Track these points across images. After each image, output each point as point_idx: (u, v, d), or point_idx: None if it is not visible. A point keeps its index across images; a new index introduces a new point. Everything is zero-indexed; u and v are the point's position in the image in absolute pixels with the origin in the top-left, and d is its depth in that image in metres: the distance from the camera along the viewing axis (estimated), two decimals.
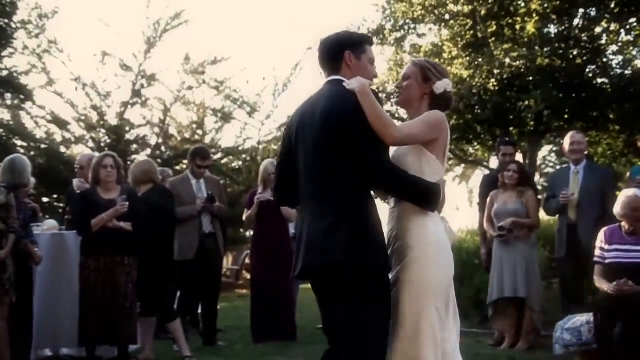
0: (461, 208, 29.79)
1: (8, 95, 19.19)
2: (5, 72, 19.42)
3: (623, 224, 7.34)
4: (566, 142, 9.10)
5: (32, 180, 8.22)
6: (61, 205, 11.13)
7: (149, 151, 18.38)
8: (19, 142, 17.37)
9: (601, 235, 7.44)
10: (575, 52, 13.96)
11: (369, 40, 4.57)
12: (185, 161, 12.56)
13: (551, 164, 22.87)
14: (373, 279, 4.02)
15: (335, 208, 4.07)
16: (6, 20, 20.04)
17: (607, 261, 7.28)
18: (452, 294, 4.19)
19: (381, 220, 4.19)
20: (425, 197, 4.12)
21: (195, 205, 9.24)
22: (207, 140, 19.22)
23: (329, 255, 4.00)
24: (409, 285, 4.06)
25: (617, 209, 7.39)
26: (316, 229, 4.12)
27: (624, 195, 7.42)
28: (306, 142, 4.24)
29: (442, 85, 4.26)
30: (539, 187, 14.18)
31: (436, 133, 4.15)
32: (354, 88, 4.02)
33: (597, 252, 7.41)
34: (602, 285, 7.15)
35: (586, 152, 9.38)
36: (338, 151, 4.07)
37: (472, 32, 14.72)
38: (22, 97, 18.55)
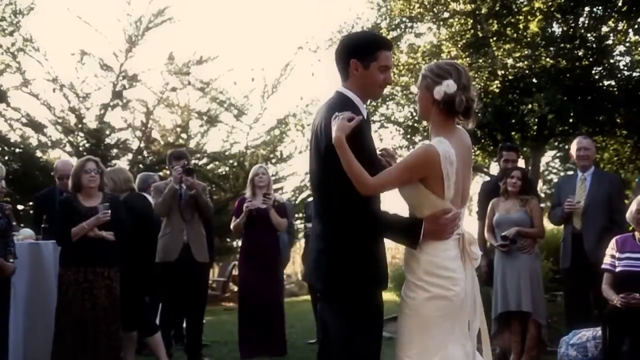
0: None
1: None
2: None
3: (636, 232, 7.39)
4: (573, 148, 9.12)
5: (2, 184, 8.21)
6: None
7: (130, 156, 18.40)
8: None
9: (612, 243, 7.49)
10: (580, 53, 13.99)
11: (382, 45, 4.48)
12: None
13: (555, 171, 22.95)
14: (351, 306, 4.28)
15: (324, 234, 4.36)
16: None
17: (617, 269, 7.33)
18: (456, 324, 4.23)
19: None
20: (399, 237, 4.33)
21: (173, 179, 9.27)
22: (192, 144, 19.26)
23: (315, 282, 4.47)
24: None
25: (629, 214, 7.46)
26: (312, 250, 4.47)
27: (637, 201, 7.48)
28: (312, 151, 4.42)
29: (441, 89, 4.15)
30: (542, 195, 14.26)
31: (419, 173, 4.12)
32: (333, 137, 4.05)
33: (608, 259, 7.45)
34: (610, 295, 7.20)
35: (594, 159, 9.42)
36: (328, 170, 4.22)
37: (472, 31, 14.74)
38: None
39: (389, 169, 4.24)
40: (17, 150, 17.38)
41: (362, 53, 4.38)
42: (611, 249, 7.47)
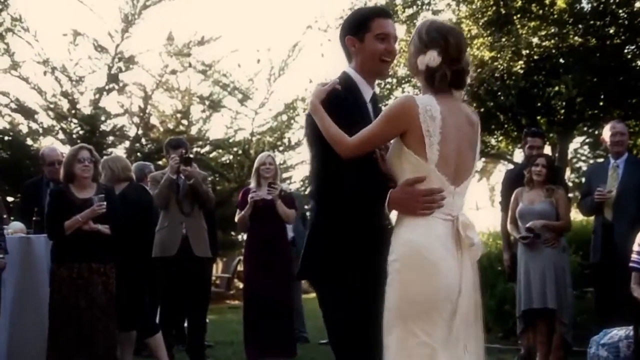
0: (482, 207, 29.82)
1: None
2: None
3: None
4: (606, 133, 9.10)
5: None
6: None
7: (127, 144, 18.45)
8: None
9: (639, 238, 7.48)
10: (612, 31, 13.99)
11: (374, 13, 4.49)
12: None
13: (584, 158, 22.89)
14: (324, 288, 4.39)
15: (312, 218, 4.59)
16: None
17: None
18: (445, 312, 3.91)
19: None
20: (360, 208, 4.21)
21: (169, 168, 9.30)
22: (194, 131, 19.28)
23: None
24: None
25: None
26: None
27: None
28: None
29: (424, 60, 4.01)
30: (570, 184, 14.24)
31: (397, 125, 3.97)
32: (309, 103, 4.08)
33: (635, 256, 7.44)
34: None
35: (627, 145, 9.41)
36: (311, 154, 4.36)
37: (494, 8, 14.73)
38: None
39: (367, 127, 4.07)
40: (6, 137, 17.43)
41: (355, 27, 4.40)
42: (638, 244, 7.45)
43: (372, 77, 4.49)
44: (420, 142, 3.87)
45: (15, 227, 8.86)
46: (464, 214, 4.06)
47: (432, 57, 3.94)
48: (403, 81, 15.48)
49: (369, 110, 4.43)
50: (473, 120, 4.15)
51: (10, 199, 16.29)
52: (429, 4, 15.84)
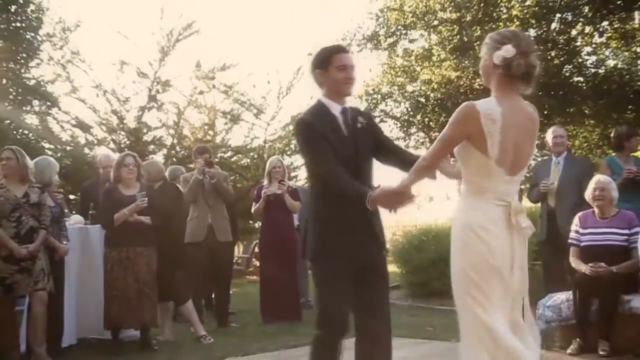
0: (451, 198, 29.74)
1: (36, 102, 19.24)
2: (33, 81, 19.49)
3: (595, 209, 7.39)
4: (549, 136, 9.11)
5: (56, 178, 8.26)
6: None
7: (164, 151, 18.39)
8: (46, 145, 17.41)
9: (576, 220, 7.48)
10: (553, 54, 14.01)
11: (335, 50, 4.56)
12: None
13: (534, 158, 22.85)
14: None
15: (309, 209, 4.72)
16: (33, 34, 20.15)
17: (582, 244, 7.33)
18: (494, 279, 3.78)
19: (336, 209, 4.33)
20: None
21: (196, 170, 9.34)
22: (218, 140, 19.21)
23: None
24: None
25: (587, 193, 7.47)
26: None
27: (594, 180, 7.54)
28: None
29: (500, 54, 3.80)
30: (522, 178, 14.22)
31: (462, 129, 3.80)
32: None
33: (573, 235, 7.45)
34: (579, 266, 7.18)
35: (566, 145, 9.40)
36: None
37: (458, 36, 14.76)
38: (48, 103, 18.58)
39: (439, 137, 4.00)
40: (68, 147, 17.43)
41: (320, 62, 4.51)
42: (575, 224, 7.46)
43: (338, 97, 4.53)
44: (483, 142, 3.73)
45: (75, 219, 8.88)
46: (516, 201, 3.89)
47: (507, 49, 3.77)
48: (386, 97, 15.45)
49: (338, 120, 4.47)
50: (533, 117, 3.99)
51: (71, 196, 16.29)
52: (406, 33, 15.80)
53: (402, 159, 4.52)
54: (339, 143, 4.38)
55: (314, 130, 4.40)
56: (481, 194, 3.83)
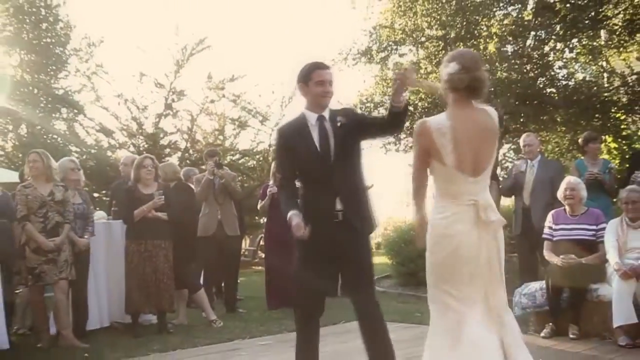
0: None
1: (64, 110, 19.32)
2: (61, 91, 19.60)
3: (566, 207, 7.40)
4: (521, 143, 9.15)
5: (81, 174, 8.25)
6: (108, 198, 11.18)
7: (179, 154, 18.36)
8: (73, 148, 17.43)
9: (549, 217, 7.49)
10: (528, 67, 13.98)
11: (315, 66, 4.59)
12: None
13: (510, 159, 22.90)
14: None
15: None
16: (61, 48, 20.29)
17: (555, 238, 7.34)
18: (463, 270, 3.81)
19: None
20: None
21: (207, 171, 9.35)
22: (227, 144, 19.20)
23: None
24: None
25: (559, 193, 7.48)
26: None
27: (565, 180, 7.55)
28: None
29: (446, 71, 3.88)
30: (500, 179, 14.23)
31: (422, 145, 3.87)
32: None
33: (546, 230, 7.45)
34: (552, 258, 7.19)
35: (539, 149, 9.40)
36: None
37: (443, 52, 14.69)
38: (75, 111, 18.62)
39: None
40: (92, 150, 17.43)
41: (302, 77, 4.58)
42: (548, 221, 7.47)
43: (317, 108, 4.57)
44: (438, 153, 3.79)
45: (99, 215, 8.93)
46: (485, 198, 3.88)
47: (451, 66, 3.84)
48: (378, 105, 15.42)
49: (311, 130, 4.54)
50: (488, 124, 3.93)
51: (96, 194, 16.29)
52: (396, 48, 15.74)
53: (382, 121, 4.56)
54: (307, 152, 4.49)
55: (281, 141, 4.65)
56: (449, 197, 3.87)
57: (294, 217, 4.38)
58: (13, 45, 19.70)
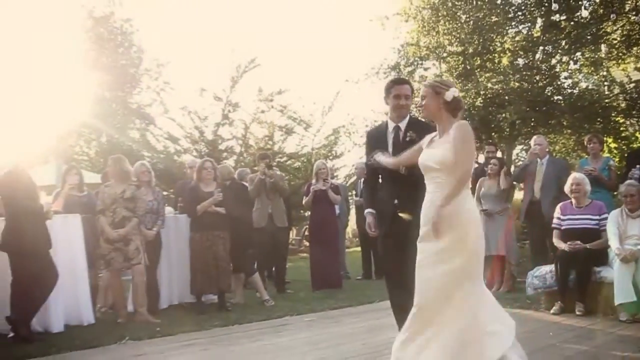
0: None
1: (137, 121, 19.59)
2: (135, 105, 19.92)
3: (573, 200, 7.30)
4: (532, 143, 9.06)
5: (152, 175, 8.34)
6: (174, 196, 11.29)
7: (235, 157, 18.45)
8: (145, 154, 17.56)
9: (557, 209, 7.41)
10: (537, 78, 13.82)
11: (393, 82, 4.80)
12: None
13: (522, 159, 22.62)
14: None
15: None
16: (135, 69, 20.58)
17: (562, 227, 7.24)
18: None
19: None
20: None
21: (259, 172, 9.36)
22: (276, 148, 19.20)
23: None
24: None
25: (566, 187, 7.39)
26: None
27: (571, 176, 7.45)
28: None
29: (450, 93, 3.94)
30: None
31: (472, 142, 3.86)
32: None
33: (555, 220, 7.37)
34: (560, 244, 7.12)
35: (548, 150, 9.31)
36: None
37: (462, 65, 14.62)
38: (147, 122, 18.84)
39: (458, 159, 3.86)
40: (161, 155, 17.57)
41: (385, 91, 4.77)
42: (557, 212, 7.38)
43: (395, 117, 4.72)
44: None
45: (167, 210, 8.97)
46: None
47: (455, 90, 3.95)
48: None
49: (388, 136, 4.68)
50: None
51: (164, 193, 16.45)
52: (421, 63, 15.65)
53: None
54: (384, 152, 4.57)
55: (368, 142, 4.87)
56: (469, 196, 3.98)
57: (368, 215, 4.61)
58: (95, 67, 20.03)
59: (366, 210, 4.68)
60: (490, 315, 3.87)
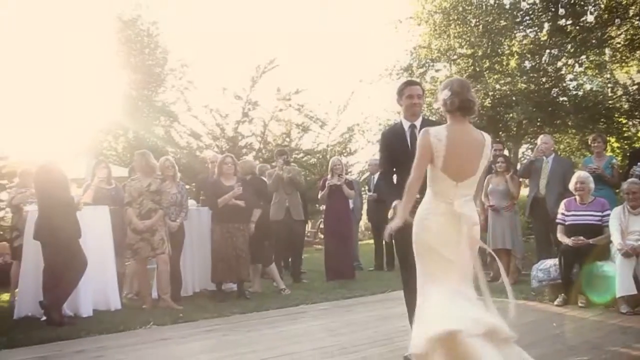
0: None
1: (162, 119, 19.62)
2: (160, 103, 19.97)
3: (577, 197, 7.26)
4: (539, 142, 9.00)
5: (176, 169, 8.37)
6: (195, 189, 11.34)
7: (254, 153, 18.49)
8: (170, 149, 17.65)
9: (562, 205, 7.37)
10: (544, 80, 13.72)
11: (406, 84, 4.78)
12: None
13: (528, 157, 22.48)
14: None
15: None
16: (160, 69, 20.64)
17: (567, 222, 7.20)
18: (433, 256, 3.71)
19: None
20: None
21: (277, 167, 9.38)
22: (293, 145, 19.23)
23: None
24: None
25: (570, 185, 7.35)
26: None
27: (576, 175, 7.39)
28: None
29: (440, 96, 3.86)
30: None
31: (425, 152, 3.72)
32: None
33: (560, 216, 7.33)
34: (564, 239, 7.08)
35: (553, 149, 9.25)
36: None
37: (472, 67, 14.53)
38: (171, 119, 18.87)
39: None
40: (185, 151, 17.65)
41: (397, 91, 4.77)
42: (561, 208, 7.34)
43: (409, 117, 4.71)
44: (433, 156, 3.71)
45: (190, 203, 9.00)
46: (462, 199, 3.73)
47: (444, 92, 3.84)
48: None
49: (406, 134, 4.66)
50: (479, 139, 3.82)
51: (187, 186, 16.50)
52: (433, 65, 15.58)
53: None
54: (401, 151, 4.57)
55: (383, 142, 4.80)
56: (434, 195, 3.77)
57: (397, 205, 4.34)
58: (123, 67, 20.14)
59: (395, 202, 4.39)
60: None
